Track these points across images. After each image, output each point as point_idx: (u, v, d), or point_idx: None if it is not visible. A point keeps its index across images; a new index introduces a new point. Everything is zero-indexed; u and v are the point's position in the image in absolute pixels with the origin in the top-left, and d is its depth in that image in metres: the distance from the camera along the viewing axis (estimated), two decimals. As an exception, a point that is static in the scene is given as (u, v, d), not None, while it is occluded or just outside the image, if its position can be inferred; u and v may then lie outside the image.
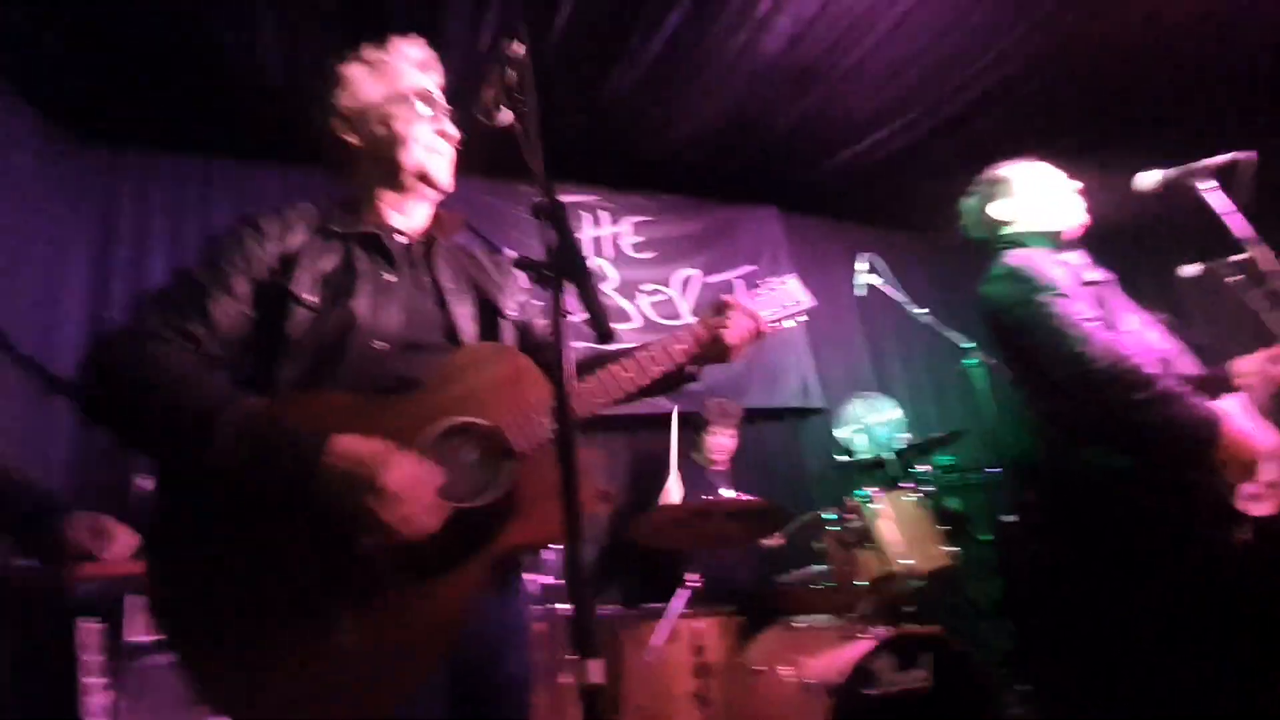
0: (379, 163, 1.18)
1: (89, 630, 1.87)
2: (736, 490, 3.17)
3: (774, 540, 3.06)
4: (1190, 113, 3.72)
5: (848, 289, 3.45)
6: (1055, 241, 1.99)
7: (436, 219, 1.23)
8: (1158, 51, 3.35)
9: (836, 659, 2.03)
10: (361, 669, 0.88)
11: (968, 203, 2.17)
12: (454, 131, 1.22)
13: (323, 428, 0.90)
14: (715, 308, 1.21)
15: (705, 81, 3.31)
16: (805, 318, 1.31)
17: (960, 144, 4.04)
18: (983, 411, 3.21)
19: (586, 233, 3.99)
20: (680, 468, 3.07)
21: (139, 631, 2.08)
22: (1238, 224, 1.81)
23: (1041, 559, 2.27)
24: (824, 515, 2.55)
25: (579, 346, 1.28)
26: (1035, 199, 2.04)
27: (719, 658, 2.44)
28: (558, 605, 2.35)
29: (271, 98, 3.00)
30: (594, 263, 3.91)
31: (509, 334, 1.22)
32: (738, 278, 4.34)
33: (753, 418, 4.10)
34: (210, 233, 3.18)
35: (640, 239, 4.15)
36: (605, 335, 1.04)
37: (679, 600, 2.28)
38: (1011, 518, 3.15)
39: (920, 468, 2.90)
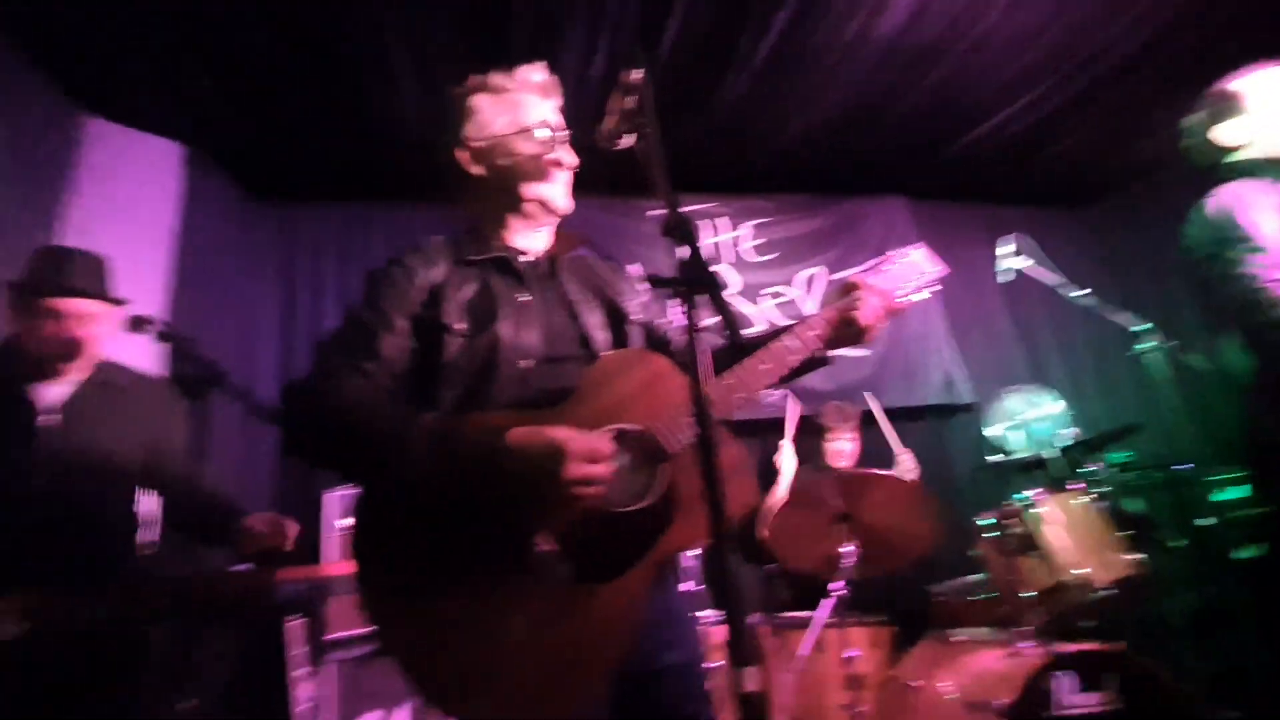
0: (503, 191, 1.25)
1: (294, 627, 2.14)
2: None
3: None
4: None
5: (990, 276, 3.19)
6: None
7: (558, 237, 1.30)
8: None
9: (1005, 676, 1.87)
10: (544, 665, 0.95)
11: (1190, 122, 1.90)
12: (572, 159, 1.28)
13: (500, 426, 0.99)
14: (842, 290, 1.19)
15: (820, 74, 3.23)
16: (939, 287, 1.25)
17: (1104, 109, 3.64)
18: (1163, 401, 2.84)
19: (705, 240, 4.01)
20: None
21: (338, 628, 2.36)
22: None
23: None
24: (979, 521, 2.36)
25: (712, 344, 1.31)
26: (1274, 117, 1.77)
27: (870, 669, 2.34)
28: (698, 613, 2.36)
29: (416, 143, 3.31)
30: (714, 269, 3.92)
31: (636, 336, 1.26)
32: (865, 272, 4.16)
33: (891, 417, 3.91)
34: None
35: (760, 241, 4.10)
36: (740, 343, 1.05)
37: (824, 609, 2.21)
38: (1209, 520, 2.76)
39: (1091, 466, 2.61)
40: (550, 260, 1.26)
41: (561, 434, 0.96)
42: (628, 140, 1.25)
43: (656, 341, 1.29)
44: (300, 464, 3.12)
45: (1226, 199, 1.69)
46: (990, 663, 2.00)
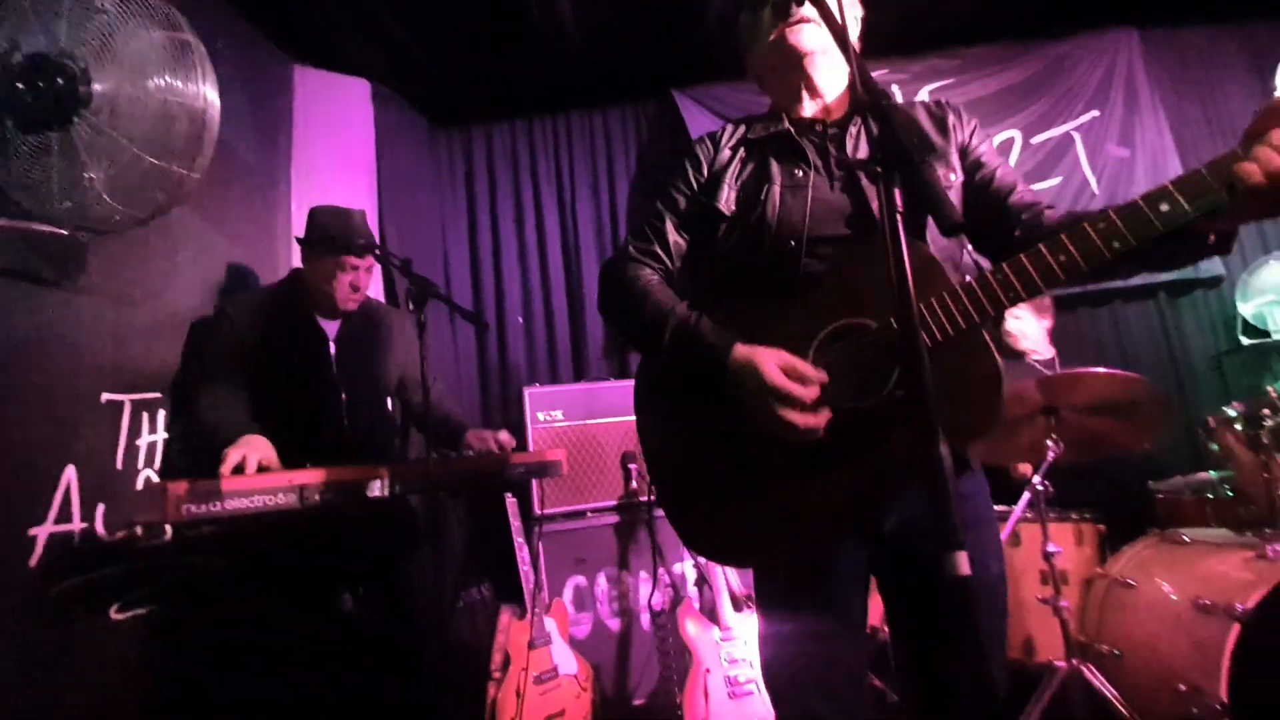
0: (770, 71, 1.22)
1: (512, 503, 2.48)
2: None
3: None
4: None
5: (1249, 114, 2.57)
6: None
7: (851, 93, 1.19)
8: None
9: (1247, 580, 1.68)
10: (786, 521, 1.04)
11: None
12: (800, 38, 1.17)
13: (729, 340, 1.05)
14: (1251, 127, 0.84)
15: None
16: None
17: None
18: None
19: (879, 114, 3.62)
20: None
21: (546, 506, 2.70)
22: None
23: None
24: (1227, 411, 2.05)
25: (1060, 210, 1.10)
26: None
27: (1074, 566, 2.21)
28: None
29: (573, 52, 3.30)
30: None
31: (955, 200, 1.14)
32: (1075, 130, 3.55)
33: (1107, 298, 3.43)
34: (539, 186, 3.73)
35: (940, 109, 3.63)
36: (952, 226, 0.95)
37: (1023, 503, 2.09)
38: None
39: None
40: (840, 125, 1.17)
41: (769, 369, 0.98)
42: (801, 9, 1.16)
43: (988, 205, 1.14)
44: (498, 363, 3.53)
45: None
46: (1228, 566, 1.79)
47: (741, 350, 1.01)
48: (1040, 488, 2.06)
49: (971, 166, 1.16)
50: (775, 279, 1.10)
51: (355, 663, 1.90)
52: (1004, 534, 2.12)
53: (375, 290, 2.91)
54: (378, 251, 2.09)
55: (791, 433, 0.98)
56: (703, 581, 2.56)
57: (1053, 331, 2.80)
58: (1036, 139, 3.57)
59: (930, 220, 1.07)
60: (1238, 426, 2.00)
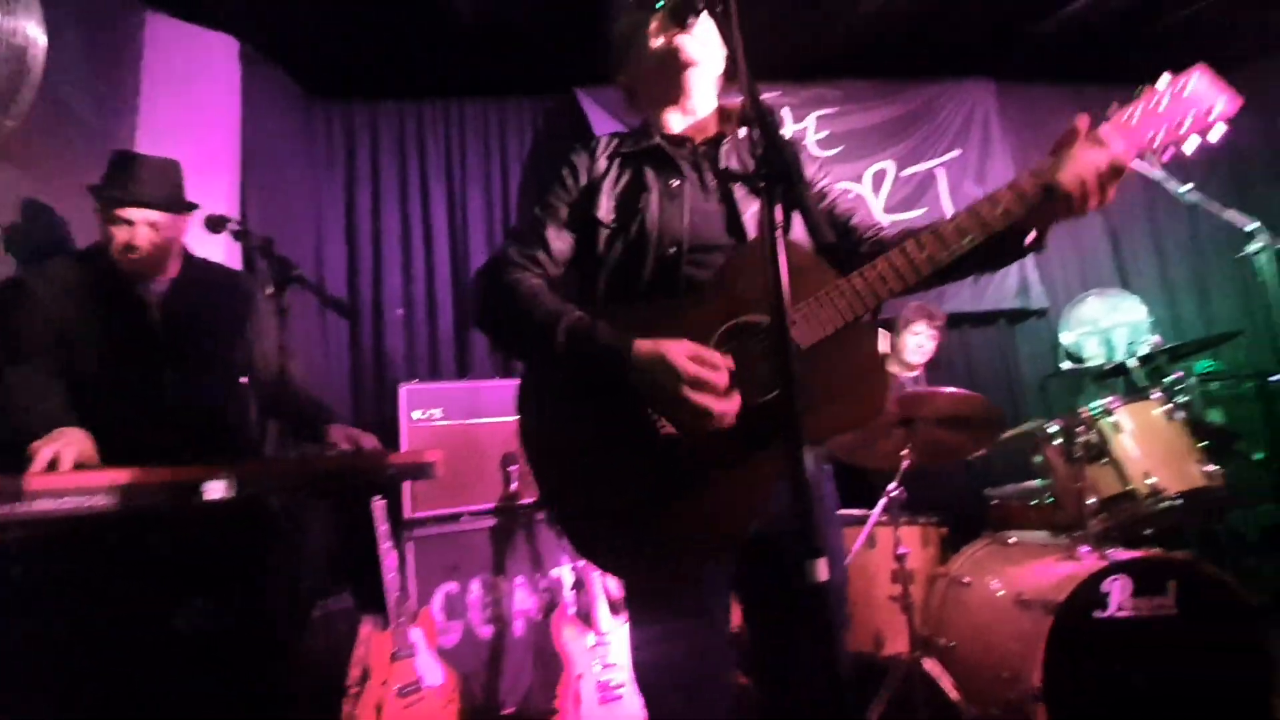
0: (646, 79, 1.25)
1: (379, 506, 2.33)
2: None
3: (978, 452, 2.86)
4: None
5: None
6: None
7: (721, 113, 1.26)
8: None
9: (1059, 577, 1.90)
10: (672, 529, 1.03)
11: None
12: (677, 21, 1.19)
13: (629, 336, 1.02)
14: (1057, 143, 0.99)
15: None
16: (1224, 127, 0.95)
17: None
18: (1265, 308, 2.64)
19: (769, 133, 3.79)
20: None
21: (417, 509, 2.56)
22: None
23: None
24: (1048, 427, 2.32)
25: (890, 222, 1.22)
26: None
27: (920, 566, 2.40)
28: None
29: (465, 37, 3.18)
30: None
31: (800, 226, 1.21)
32: (940, 166, 3.90)
33: (957, 323, 3.79)
34: (426, 171, 3.56)
35: (824, 134, 3.86)
36: (823, 243, 1.00)
37: (879, 507, 2.26)
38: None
39: (1173, 375, 2.49)
40: (712, 143, 1.23)
41: (678, 359, 0.97)
42: (698, 19, 1.18)
43: (834, 228, 1.23)
44: (373, 358, 3.31)
45: None
46: (1045, 565, 2.02)
47: (644, 345, 1.00)
48: (895, 494, 2.23)
49: (816, 197, 1.26)
50: (659, 284, 1.12)
51: (193, 685, 1.69)
52: (861, 537, 2.28)
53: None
54: (179, 209, 1.79)
55: (705, 420, 0.98)
56: (580, 586, 2.54)
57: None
58: (906, 172, 3.89)
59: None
60: (1056, 441, 2.26)
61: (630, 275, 1.13)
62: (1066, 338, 3.59)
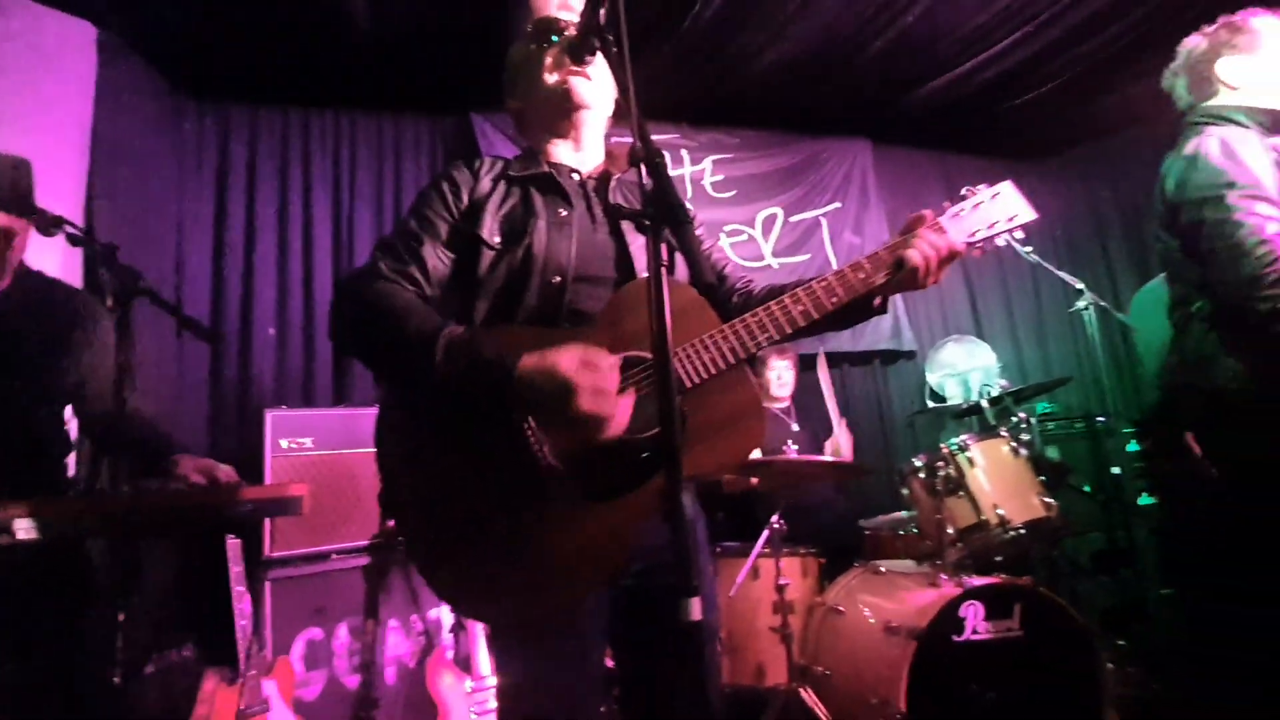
0: (537, 110, 1.25)
1: (234, 545, 2.11)
2: (804, 433, 3.17)
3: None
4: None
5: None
6: (1271, 124, 1.67)
7: (609, 154, 1.28)
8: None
9: (922, 604, 2.02)
10: (544, 570, 0.99)
11: (1194, 50, 1.79)
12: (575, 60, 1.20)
13: (515, 352, 0.98)
14: (905, 226, 1.13)
15: (793, 6, 3.10)
16: (1022, 235, 1.15)
17: (1065, 68, 3.66)
18: (1092, 357, 3.01)
19: (669, 171, 3.91)
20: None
21: (279, 548, 2.34)
22: None
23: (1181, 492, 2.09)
24: (913, 462, 2.49)
25: (766, 278, 1.31)
26: (1276, 66, 1.69)
27: (800, 596, 2.48)
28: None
29: (361, 47, 3.06)
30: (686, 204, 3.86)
31: (681, 266, 1.22)
32: (823, 215, 4.17)
33: (837, 362, 4.02)
34: (310, 184, 3.36)
35: (720, 177, 4.04)
36: (704, 284, 1.03)
37: (761, 540, 2.32)
38: (1118, 470, 2.98)
39: (1017, 415, 2.76)
40: (601, 179, 1.24)
41: (570, 367, 0.94)
42: (594, 59, 1.20)
43: (705, 275, 1.26)
44: (238, 381, 3.04)
45: (1228, 141, 1.61)
46: (910, 593, 2.15)
47: (530, 358, 0.96)
48: (777, 526, 2.30)
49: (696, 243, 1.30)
50: (542, 312, 1.10)
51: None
52: (745, 569, 2.33)
53: (74, 283, 2.34)
54: (17, 212, 1.56)
55: (600, 425, 0.95)
56: (460, 628, 2.41)
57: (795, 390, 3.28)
58: (794, 218, 4.13)
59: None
60: (920, 475, 2.44)
61: (512, 300, 1.10)
62: (931, 378, 3.90)
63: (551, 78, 1.20)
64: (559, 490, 1.00)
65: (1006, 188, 1.14)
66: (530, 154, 1.25)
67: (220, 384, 3.05)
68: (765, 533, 2.31)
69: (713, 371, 1.04)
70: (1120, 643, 2.66)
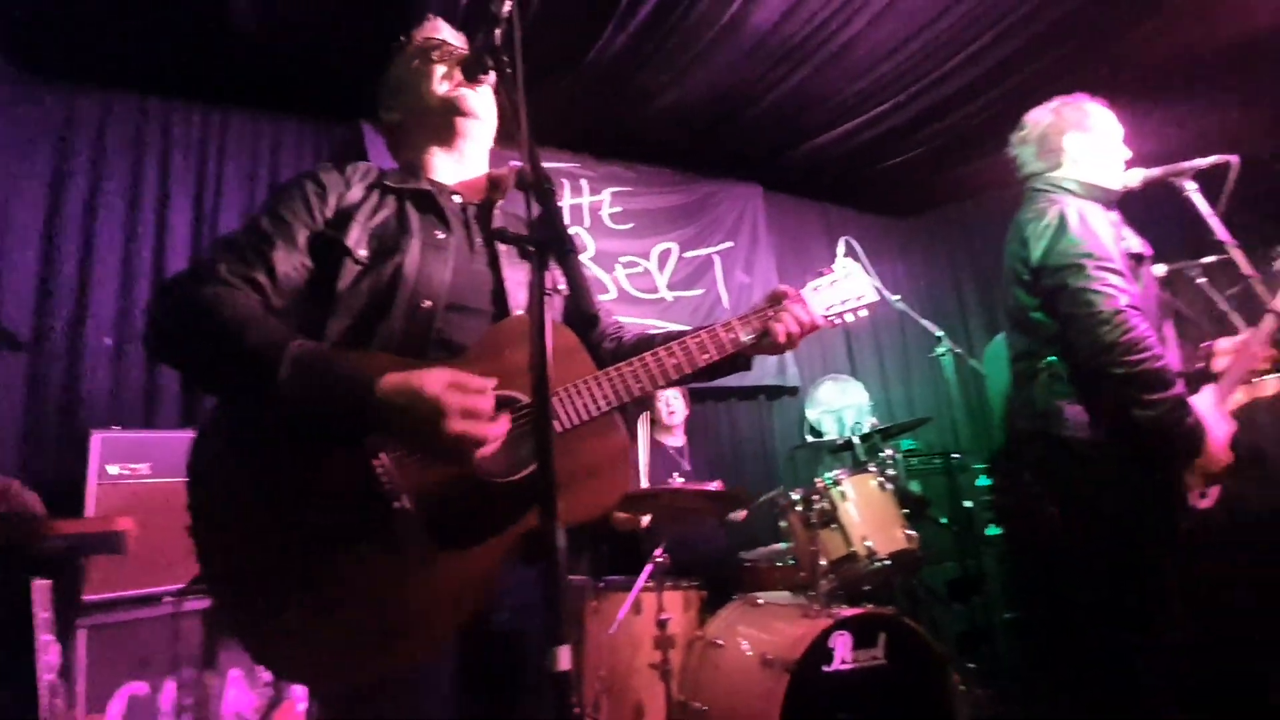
0: (419, 120, 1.20)
1: (41, 588, 1.81)
2: (693, 464, 3.23)
3: (739, 516, 3.13)
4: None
5: (826, 263, 3.45)
6: (1107, 199, 1.90)
7: (491, 180, 1.21)
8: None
9: (795, 636, 2.07)
10: (381, 623, 0.89)
11: (1042, 122, 1.99)
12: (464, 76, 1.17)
13: (376, 369, 0.90)
14: (771, 297, 1.19)
15: (695, 49, 3.23)
16: (866, 313, 1.27)
17: (932, 136, 4.05)
18: (949, 399, 3.28)
19: (566, 200, 3.92)
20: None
21: (99, 590, 2.03)
22: (1216, 226, 1.84)
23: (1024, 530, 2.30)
24: (791, 495, 2.58)
25: (635, 328, 1.32)
26: (1108, 145, 1.93)
27: (681, 630, 2.48)
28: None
29: (242, 42, 2.85)
30: (572, 231, 3.87)
31: (558, 305, 1.20)
32: (716, 254, 4.32)
33: (725, 396, 4.14)
34: (169, 181, 3.05)
35: (618, 209, 4.09)
36: (588, 313, 1.02)
37: (644, 574, 2.30)
38: (970, 503, 3.24)
39: (884, 451, 2.95)
40: (483, 207, 1.17)
41: (438, 387, 0.87)
42: (488, 78, 1.17)
43: (581, 315, 1.25)
44: (61, 399, 2.66)
45: (1080, 212, 1.78)
46: (785, 624, 2.20)
47: (393, 376, 0.88)
48: (661, 560, 2.30)
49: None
50: (408, 338, 1.02)
51: None
52: (627, 604, 2.30)
53: None
54: None
55: (469, 447, 0.89)
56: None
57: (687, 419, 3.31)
58: (689, 254, 4.25)
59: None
60: (797, 508, 2.53)
61: (374, 322, 1.01)
62: (810, 414, 4.10)
63: (442, 88, 1.16)
64: (408, 533, 0.92)
65: (856, 268, 1.27)
66: (409, 167, 1.19)
67: (40, 399, 2.65)
68: (649, 566, 2.30)
69: (586, 417, 1.02)
70: (971, 665, 2.86)
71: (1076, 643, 1.92)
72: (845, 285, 1.25)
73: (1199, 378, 1.81)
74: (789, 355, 4.31)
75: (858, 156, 4.28)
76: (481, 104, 1.18)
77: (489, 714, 1.03)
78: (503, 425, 0.93)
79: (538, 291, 0.83)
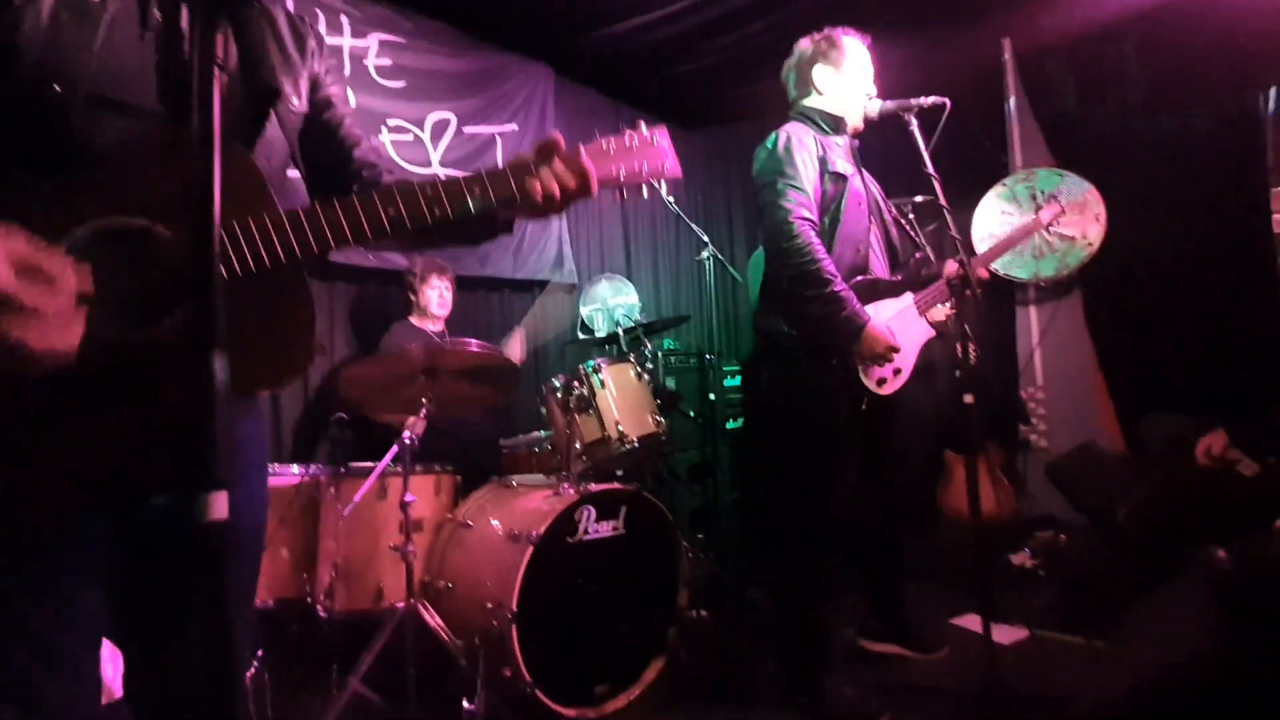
0: None
1: None
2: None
3: (513, 349, 3.33)
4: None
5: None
6: (838, 128, 2.17)
7: None
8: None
9: (542, 511, 2.13)
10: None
11: (802, 53, 2.21)
12: None
13: None
14: (540, 149, 0.95)
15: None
16: (663, 186, 1.04)
17: (723, 49, 4.13)
18: (710, 303, 3.53)
19: (327, 37, 3.29)
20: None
21: None
22: (926, 160, 2.10)
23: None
24: (553, 381, 2.59)
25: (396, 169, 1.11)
26: (852, 82, 2.15)
27: (431, 513, 2.42)
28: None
29: None
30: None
31: (275, 131, 0.93)
32: (498, 133, 4.03)
33: (498, 287, 4.00)
34: None
35: (386, 62, 3.56)
36: (268, 88, 0.81)
37: (386, 458, 2.18)
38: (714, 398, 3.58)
39: (647, 347, 3.10)
40: None
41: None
42: None
43: (332, 149, 1.05)
44: None
45: (789, 136, 2.07)
46: (535, 502, 2.25)
47: None
48: (408, 442, 2.17)
49: (321, 103, 1.04)
50: (24, 136, 0.75)
51: None
52: (364, 487, 2.17)
53: None
54: None
55: (24, 360, 0.67)
56: None
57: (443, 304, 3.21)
58: (468, 129, 3.89)
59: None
60: (558, 394, 2.55)
61: None
62: (584, 310, 4.15)
63: None
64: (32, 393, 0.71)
65: (661, 133, 1.05)
66: None
67: None
68: (393, 449, 2.16)
69: (252, 268, 0.79)
70: (699, 536, 3.24)
71: (772, 512, 2.33)
72: (643, 149, 1.02)
73: (917, 282, 2.21)
74: (567, 250, 4.26)
75: (653, 58, 4.21)
76: None
77: (144, 591, 0.86)
78: (74, 336, 0.71)
79: (203, 67, 0.63)
